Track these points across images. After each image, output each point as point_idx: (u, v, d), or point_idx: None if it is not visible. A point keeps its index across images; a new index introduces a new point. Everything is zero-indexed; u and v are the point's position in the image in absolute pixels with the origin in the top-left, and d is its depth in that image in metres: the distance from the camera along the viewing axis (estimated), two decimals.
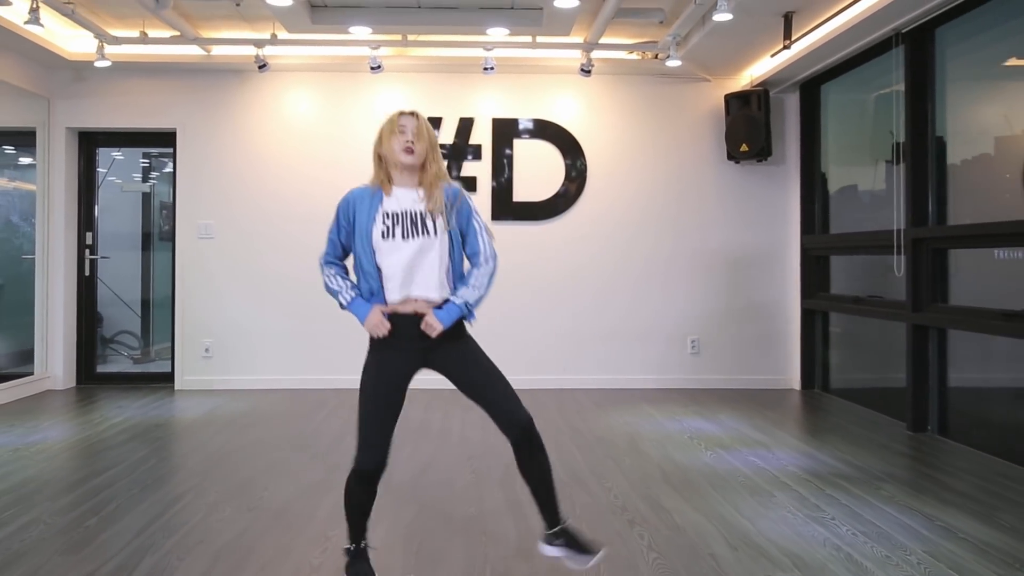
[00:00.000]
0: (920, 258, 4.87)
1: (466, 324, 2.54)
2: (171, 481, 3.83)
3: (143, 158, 8.13)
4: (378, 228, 2.44)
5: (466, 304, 2.47)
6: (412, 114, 2.52)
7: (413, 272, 2.45)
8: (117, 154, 7.47)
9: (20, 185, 6.86)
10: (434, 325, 2.43)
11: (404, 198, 2.48)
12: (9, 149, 6.89)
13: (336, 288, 2.54)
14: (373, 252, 2.44)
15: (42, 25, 4.86)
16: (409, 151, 2.46)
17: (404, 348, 2.47)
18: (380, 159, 2.53)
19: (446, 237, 2.46)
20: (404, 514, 3.33)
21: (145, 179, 8.26)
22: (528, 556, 2.82)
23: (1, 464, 4.07)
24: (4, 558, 2.80)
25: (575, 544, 2.49)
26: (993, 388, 4.78)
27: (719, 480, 3.84)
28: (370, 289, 2.49)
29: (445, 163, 2.67)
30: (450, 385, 2.55)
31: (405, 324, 2.45)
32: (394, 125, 2.49)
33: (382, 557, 2.84)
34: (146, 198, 8.18)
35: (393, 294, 2.46)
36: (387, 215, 2.45)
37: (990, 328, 4.26)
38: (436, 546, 2.98)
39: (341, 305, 2.54)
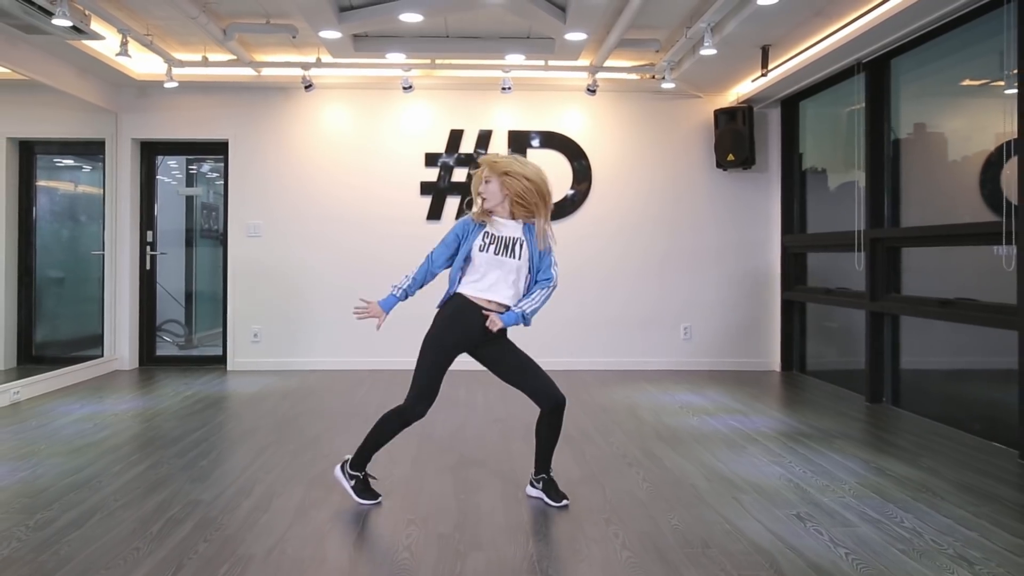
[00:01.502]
0: (877, 255, 5.71)
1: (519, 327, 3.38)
2: (253, 437, 4.68)
3: (173, 163, 8.98)
4: (478, 243, 3.31)
5: (523, 314, 3.30)
6: (479, 164, 3.40)
7: (495, 278, 3.31)
8: (170, 160, 8.31)
9: (86, 190, 7.72)
10: (496, 323, 3.27)
11: (504, 225, 3.34)
12: (74, 159, 7.73)
13: (408, 275, 3.50)
14: (471, 257, 3.33)
15: (130, 56, 5.70)
16: (483, 200, 3.34)
17: (467, 332, 3.31)
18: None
19: (525, 265, 3.32)
20: (448, 459, 4.18)
21: (189, 183, 9.11)
22: None
23: (108, 425, 4.93)
24: (149, 485, 3.65)
25: (551, 491, 3.41)
26: (938, 370, 5.63)
27: (702, 437, 4.69)
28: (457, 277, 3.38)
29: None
30: (473, 366, 3.44)
31: (477, 315, 3.32)
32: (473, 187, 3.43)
33: (434, 485, 3.69)
34: (189, 200, 9.04)
35: (477, 291, 3.31)
36: (488, 232, 3.33)
37: (930, 314, 5.10)
38: (477, 479, 3.82)
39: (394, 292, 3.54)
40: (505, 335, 3.41)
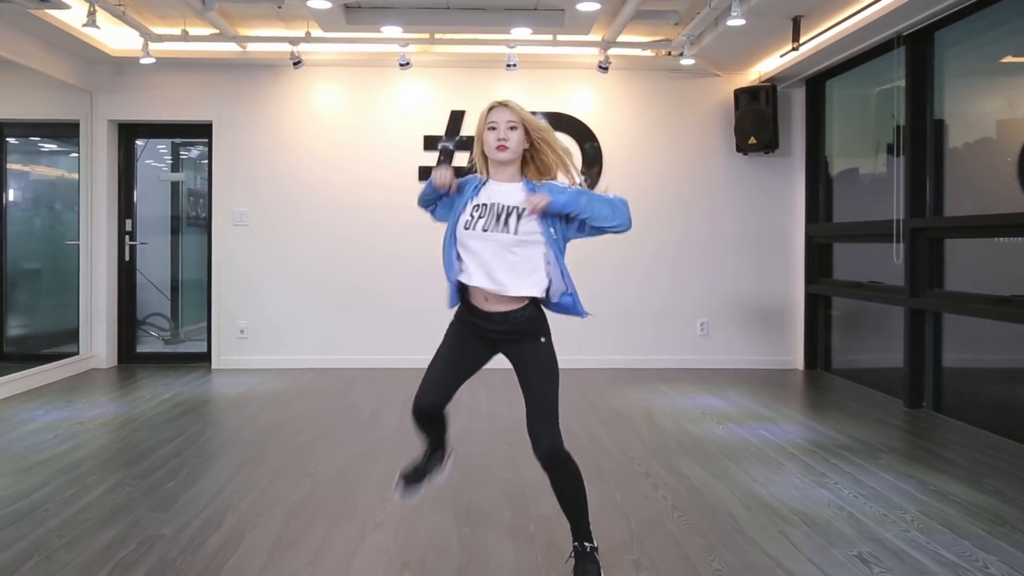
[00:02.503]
0: (918, 247, 5.21)
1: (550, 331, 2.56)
2: (232, 450, 4.20)
3: (162, 146, 8.47)
4: (464, 217, 2.48)
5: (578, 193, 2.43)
6: (505, 105, 2.47)
7: (493, 265, 2.44)
8: (139, 142, 7.80)
9: (62, 174, 7.21)
10: (538, 201, 2.39)
11: (504, 191, 2.48)
12: (50, 141, 7.21)
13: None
14: (453, 241, 2.53)
15: (99, 27, 5.18)
16: (502, 147, 2.43)
17: (478, 328, 2.54)
18: (483, 152, 2.53)
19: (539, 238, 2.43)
20: (450, 479, 3.69)
21: (175, 168, 8.60)
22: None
23: (72, 435, 4.44)
24: (102, 515, 3.17)
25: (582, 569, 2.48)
26: (984, 368, 5.14)
27: (731, 450, 4.21)
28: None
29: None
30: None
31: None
32: (484, 121, 2.49)
33: (433, 516, 3.21)
34: (175, 185, 8.53)
35: (472, 280, 2.47)
36: (478, 204, 2.47)
37: (982, 312, 4.61)
38: (482, 506, 3.34)
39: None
40: (537, 338, 2.51)
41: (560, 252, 2.48)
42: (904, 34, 5.22)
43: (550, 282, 2.49)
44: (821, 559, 2.76)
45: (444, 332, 2.64)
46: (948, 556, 2.78)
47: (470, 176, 2.58)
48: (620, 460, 4.02)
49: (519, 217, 2.44)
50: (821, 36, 5.57)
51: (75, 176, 6.78)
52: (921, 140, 5.22)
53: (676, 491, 3.53)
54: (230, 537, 2.94)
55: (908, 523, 3.11)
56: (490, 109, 2.50)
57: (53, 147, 7.25)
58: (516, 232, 2.44)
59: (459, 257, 2.51)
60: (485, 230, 2.45)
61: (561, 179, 2.56)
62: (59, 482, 3.57)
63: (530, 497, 3.40)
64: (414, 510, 3.24)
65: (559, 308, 2.57)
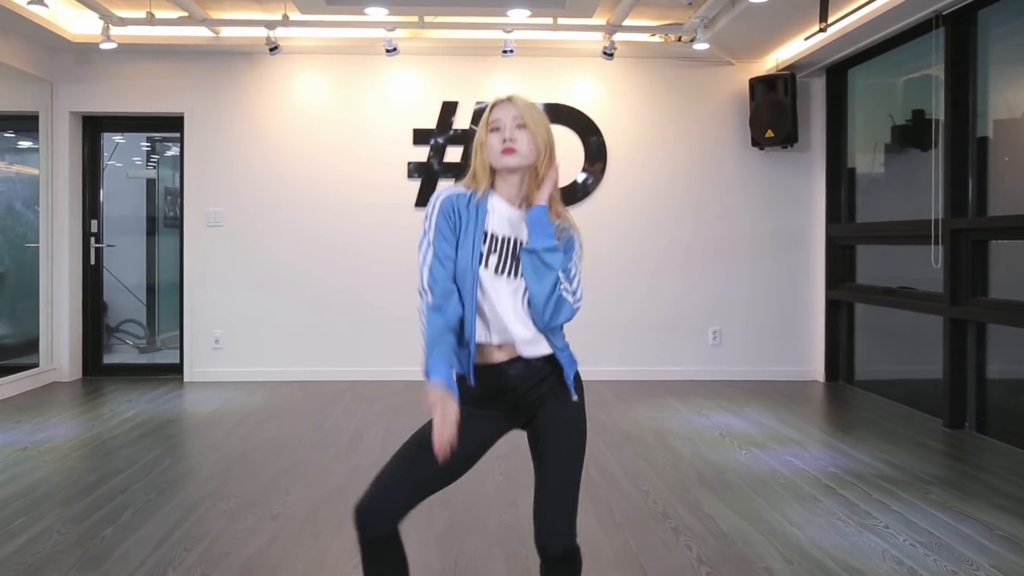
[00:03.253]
0: (959, 249, 4.70)
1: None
2: (188, 484, 3.68)
3: (145, 142, 7.96)
4: (486, 247, 1.86)
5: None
6: (509, 101, 1.89)
7: (509, 308, 1.86)
8: (119, 138, 7.28)
9: (23, 170, 6.68)
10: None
11: (510, 213, 1.89)
12: (10, 134, 6.69)
13: (425, 344, 1.86)
14: (474, 280, 1.85)
15: (46, 5, 4.68)
16: (509, 151, 1.84)
17: (484, 402, 1.92)
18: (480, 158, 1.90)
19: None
20: (436, 521, 3.18)
21: (148, 164, 8.09)
22: None
23: (9, 465, 3.92)
24: (23, 571, 2.65)
25: None
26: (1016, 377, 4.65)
27: (758, 483, 3.70)
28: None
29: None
30: None
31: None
32: (487, 120, 1.88)
33: (418, 561, 2.68)
34: (150, 183, 8.00)
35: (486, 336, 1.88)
36: (494, 234, 1.87)
37: None
38: (474, 557, 2.83)
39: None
40: (565, 400, 1.91)
41: None
42: (944, 13, 4.71)
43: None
44: None
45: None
46: None
47: (452, 193, 1.90)
48: (633, 496, 3.50)
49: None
50: (850, 17, 5.05)
51: (35, 172, 6.25)
52: (963, 133, 4.71)
53: (701, 537, 3.01)
54: None
55: None
56: (493, 106, 1.90)
57: (11, 142, 6.71)
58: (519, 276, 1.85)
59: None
60: (499, 272, 1.85)
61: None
62: None
63: (529, 548, 2.86)
64: None
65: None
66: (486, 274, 1.84)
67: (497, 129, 1.86)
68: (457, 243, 1.85)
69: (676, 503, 3.41)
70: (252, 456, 4.16)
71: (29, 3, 4.60)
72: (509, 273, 1.84)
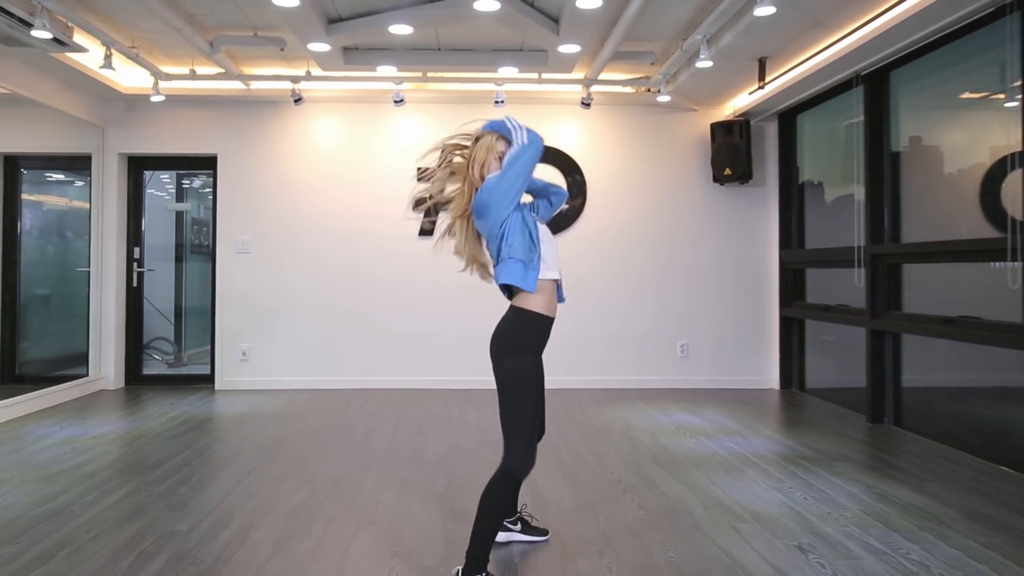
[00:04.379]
0: (877, 271, 5.58)
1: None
2: (236, 461, 4.53)
3: (166, 177, 8.86)
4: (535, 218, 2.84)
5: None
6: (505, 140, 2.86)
7: (553, 256, 2.84)
8: (148, 174, 8.19)
9: (72, 205, 7.59)
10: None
11: None
12: (55, 174, 7.60)
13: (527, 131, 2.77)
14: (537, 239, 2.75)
15: (114, 68, 5.58)
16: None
17: (547, 337, 2.83)
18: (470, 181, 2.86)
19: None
20: (438, 484, 4.03)
21: (179, 198, 9.00)
22: (540, 511, 3.52)
23: (87, 449, 4.77)
24: (124, 515, 3.50)
25: (530, 529, 3.19)
26: (940, 387, 5.49)
27: (699, 460, 4.54)
28: (532, 255, 2.74)
29: None
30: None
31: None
32: (494, 150, 2.84)
33: (421, 514, 3.54)
34: (179, 215, 8.92)
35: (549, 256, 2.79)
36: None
37: (933, 332, 4.97)
38: (466, 507, 3.67)
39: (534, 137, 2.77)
40: None
41: None
42: (862, 74, 5.64)
43: None
44: (764, 548, 3.10)
45: (520, 372, 2.67)
46: (877, 546, 3.12)
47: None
48: (596, 470, 4.35)
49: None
50: (786, 75, 5.99)
51: (85, 206, 7.16)
52: (879, 171, 5.62)
53: (643, 494, 3.86)
54: (238, 533, 3.27)
55: (848, 520, 3.45)
56: (497, 139, 2.86)
57: (67, 178, 7.63)
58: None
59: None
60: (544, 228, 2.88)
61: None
62: (80, 488, 3.90)
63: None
64: (404, 511, 3.58)
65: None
66: (543, 230, 2.86)
67: (501, 158, 2.87)
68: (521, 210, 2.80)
69: (630, 474, 4.26)
70: (284, 442, 5.01)
71: (101, 67, 5.51)
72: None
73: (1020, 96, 4.20)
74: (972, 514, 3.52)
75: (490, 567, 2.71)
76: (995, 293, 4.47)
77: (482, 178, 2.83)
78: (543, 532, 3.20)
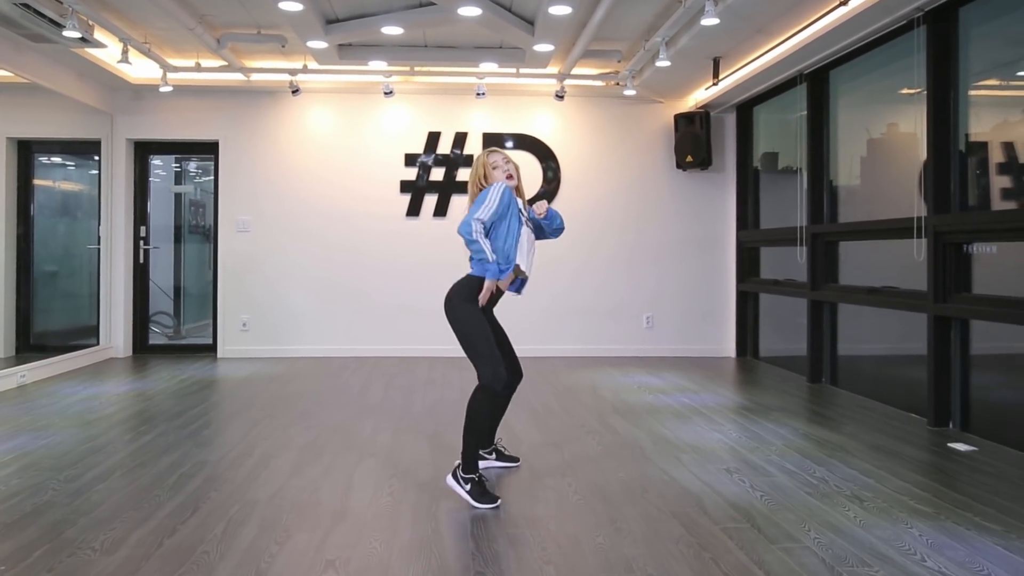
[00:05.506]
0: (817, 249, 6.27)
1: None
2: (247, 412, 5.15)
3: (175, 162, 9.40)
4: (522, 218, 3.48)
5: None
6: (495, 151, 3.58)
7: (529, 252, 3.52)
8: (156, 160, 8.72)
9: (82, 187, 8.12)
10: (544, 206, 3.63)
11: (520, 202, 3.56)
12: (66, 158, 8.13)
13: (484, 249, 3.34)
14: (518, 236, 3.43)
15: (131, 63, 6.12)
16: (510, 177, 3.53)
17: (491, 304, 3.52)
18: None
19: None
20: (426, 429, 4.67)
21: (177, 181, 9.53)
22: (514, 447, 4.17)
23: (114, 402, 5.37)
24: (161, 447, 4.12)
25: (503, 457, 3.86)
26: (873, 353, 6.20)
27: (653, 411, 5.22)
28: (507, 257, 3.41)
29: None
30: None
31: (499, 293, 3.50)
32: (488, 164, 3.54)
33: (413, 448, 4.19)
34: (179, 197, 9.46)
35: (521, 261, 3.46)
36: (522, 211, 3.51)
37: (860, 300, 5.67)
38: (451, 443, 4.32)
39: (483, 265, 3.37)
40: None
41: None
42: (805, 72, 6.30)
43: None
44: (698, 471, 3.78)
45: (467, 315, 3.44)
46: (790, 468, 3.81)
47: (510, 189, 3.48)
48: (563, 418, 5.01)
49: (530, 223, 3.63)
50: (737, 73, 6.64)
51: (93, 189, 7.70)
52: (819, 160, 6.29)
53: (603, 435, 4.53)
54: (260, 460, 3.90)
55: (771, 451, 4.13)
56: (488, 154, 3.58)
57: (77, 163, 8.16)
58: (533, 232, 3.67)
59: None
60: (527, 230, 3.56)
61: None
62: (117, 431, 4.51)
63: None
64: (398, 447, 4.22)
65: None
66: (525, 232, 3.51)
67: (496, 167, 3.56)
68: (504, 215, 3.43)
69: (593, 421, 4.92)
70: (288, 399, 5.63)
71: (119, 62, 6.06)
72: (529, 229, 3.57)
73: (927, 97, 4.86)
74: (875, 447, 4.21)
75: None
76: (911, 267, 5.16)
77: (480, 188, 3.55)
78: (515, 459, 3.86)
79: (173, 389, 5.96)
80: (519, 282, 3.52)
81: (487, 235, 3.42)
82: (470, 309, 3.44)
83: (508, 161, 3.57)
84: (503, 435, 4.35)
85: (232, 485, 3.50)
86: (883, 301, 5.35)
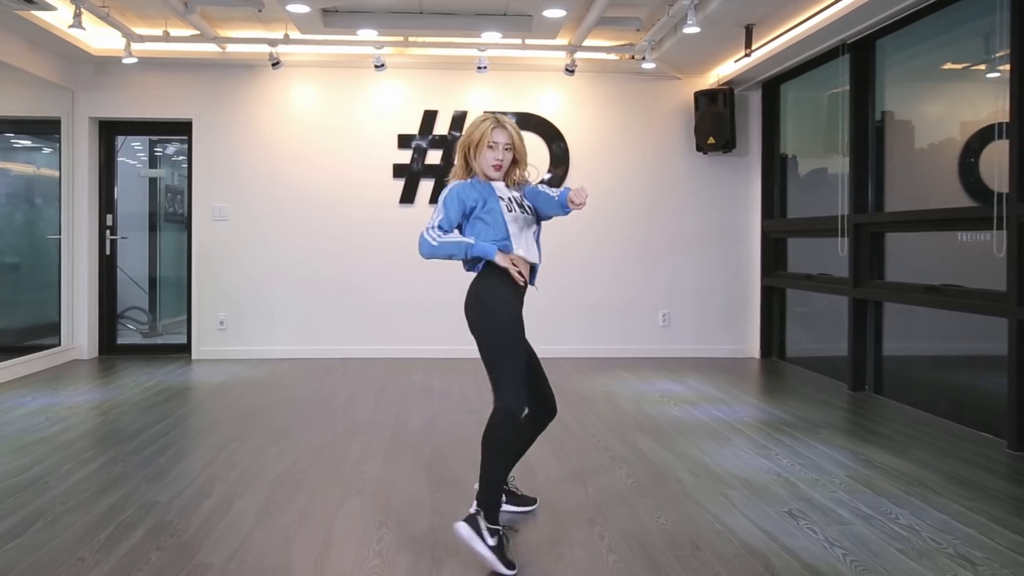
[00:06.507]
0: (860, 240, 5.58)
1: None
2: (217, 430, 4.45)
3: (138, 143, 8.65)
4: (504, 204, 2.81)
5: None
6: (504, 127, 2.82)
7: (524, 239, 2.84)
8: (134, 142, 7.97)
9: (42, 171, 7.37)
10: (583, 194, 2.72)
11: (501, 187, 2.88)
12: (22, 138, 7.38)
13: (453, 240, 2.74)
14: (505, 224, 2.77)
15: (84, 28, 5.38)
16: (498, 167, 2.83)
17: (520, 297, 2.82)
18: (466, 159, 2.86)
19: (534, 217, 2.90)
20: (423, 453, 3.99)
21: (152, 166, 8.78)
22: (529, 480, 3.49)
23: (62, 419, 4.66)
24: (100, 485, 3.42)
25: (517, 499, 3.14)
26: (921, 356, 5.53)
27: (685, 428, 4.54)
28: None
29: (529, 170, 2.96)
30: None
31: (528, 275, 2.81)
32: (487, 138, 2.81)
33: (407, 482, 3.50)
34: (153, 182, 8.71)
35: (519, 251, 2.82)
36: (502, 197, 2.83)
37: (916, 300, 4.99)
38: (452, 473, 3.64)
39: (466, 251, 2.73)
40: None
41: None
42: (848, 42, 5.59)
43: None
44: (755, 515, 3.10)
45: (493, 320, 2.76)
46: (866, 511, 3.13)
47: (464, 184, 2.85)
48: (582, 438, 4.33)
49: (525, 206, 2.91)
50: (772, 43, 5.93)
51: (55, 172, 6.96)
52: (863, 141, 5.60)
53: (631, 462, 3.85)
54: (221, 503, 3.20)
55: (836, 486, 3.46)
56: (493, 128, 2.83)
57: (35, 143, 7.40)
58: (532, 214, 2.91)
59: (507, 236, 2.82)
60: (524, 213, 2.87)
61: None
62: (56, 458, 3.81)
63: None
64: (390, 480, 3.53)
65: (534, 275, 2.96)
66: (513, 216, 2.83)
67: (492, 147, 2.84)
68: (474, 211, 2.80)
69: (616, 442, 4.24)
70: (265, 412, 4.94)
71: (70, 27, 5.32)
72: (521, 215, 2.86)
73: (1010, 66, 4.16)
74: (956, 479, 3.54)
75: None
76: (979, 263, 4.48)
77: (465, 158, 2.92)
78: (531, 501, 3.17)
79: (135, 400, 5.26)
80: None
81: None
82: (500, 310, 2.77)
83: (509, 148, 2.85)
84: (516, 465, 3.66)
85: (180, 540, 2.81)
86: (948, 302, 4.67)
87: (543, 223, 2.97)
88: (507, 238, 2.79)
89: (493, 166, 2.84)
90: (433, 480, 3.56)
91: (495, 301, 2.76)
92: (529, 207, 2.90)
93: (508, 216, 2.81)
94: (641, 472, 3.68)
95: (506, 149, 2.84)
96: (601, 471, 3.70)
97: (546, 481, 3.53)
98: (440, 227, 2.78)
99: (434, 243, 2.76)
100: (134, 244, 8.10)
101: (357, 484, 3.48)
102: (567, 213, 2.86)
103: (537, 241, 2.94)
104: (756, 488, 3.43)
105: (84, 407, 5.00)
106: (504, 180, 2.91)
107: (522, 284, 2.78)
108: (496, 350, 2.74)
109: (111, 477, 3.53)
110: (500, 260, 2.74)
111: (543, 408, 2.97)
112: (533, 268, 2.92)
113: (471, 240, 2.76)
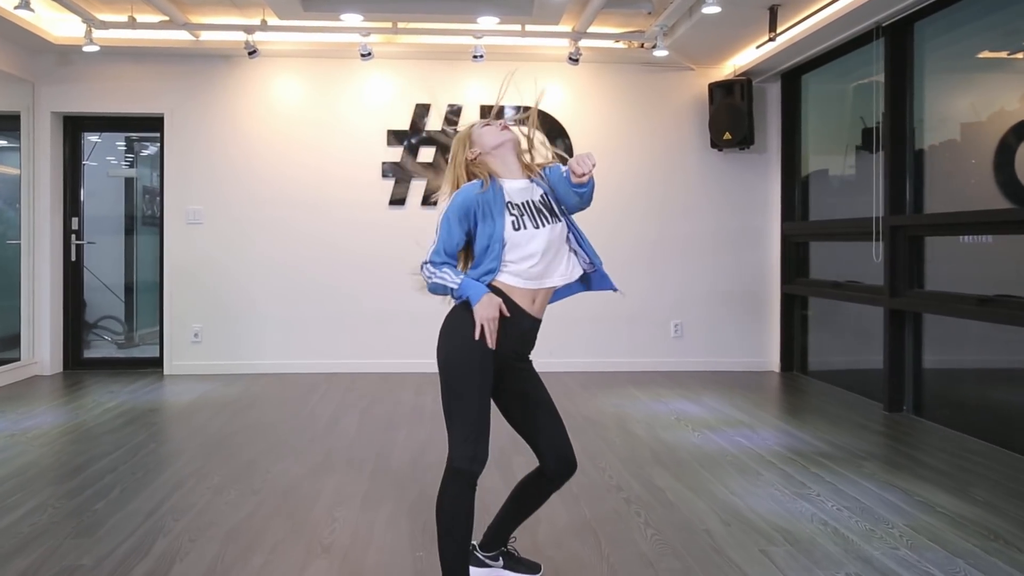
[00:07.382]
0: (897, 245, 5.03)
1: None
2: (173, 464, 3.90)
3: (122, 142, 8.11)
4: (510, 221, 2.27)
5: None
6: (484, 123, 2.45)
7: (554, 256, 2.33)
8: (95, 138, 7.42)
9: (2, 170, 6.82)
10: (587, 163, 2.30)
11: (518, 187, 2.35)
12: None
13: (439, 281, 2.28)
14: (502, 245, 2.27)
15: (32, 10, 4.84)
16: (505, 128, 2.39)
17: (513, 339, 2.31)
18: (467, 168, 2.38)
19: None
20: (407, 495, 3.44)
21: (124, 163, 8.23)
22: (530, 532, 2.93)
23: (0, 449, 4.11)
24: (16, 542, 2.86)
25: (518, 565, 2.57)
26: (964, 369, 4.98)
27: (707, 459, 3.99)
28: (494, 257, 2.28)
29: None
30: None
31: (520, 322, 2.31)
32: (476, 126, 2.43)
33: (386, 536, 2.95)
34: (129, 182, 8.15)
35: (531, 283, 2.31)
36: (512, 204, 2.30)
37: (966, 313, 4.43)
38: None
39: (452, 294, 2.28)
40: (529, 359, 2.43)
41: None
42: (883, 25, 5.04)
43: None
44: None
45: (454, 359, 2.27)
46: (939, 575, 2.58)
47: (464, 192, 2.32)
48: (592, 474, 3.77)
49: (550, 207, 2.37)
50: (798, 27, 5.38)
51: (15, 171, 6.40)
52: (901, 136, 5.05)
53: (650, 506, 3.29)
54: (157, 567, 2.65)
55: (896, 539, 2.90)
56: (471, 126, 2.44)
57: None
58: (559, 216, 2.37)
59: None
60: (538, 227, 2.31)
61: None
62: None
63: (491, 517, 3.14)
64: (365, 532, 2.98)
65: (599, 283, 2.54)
66: (524, 235, 2.29)
67: (482, 135, 2.38)
68: (476, 227, 2.29)
69: (630, 478, 3.69)
70: (233, 439, 4.38)
71: (16, 7, 4.77)
72: (546, 224, 2.32)
73: None
74: None
75: None
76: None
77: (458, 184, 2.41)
78: (535, 568, 2.61)
79: (91, 424, 4.71)
80: (599, 274, 2.53)
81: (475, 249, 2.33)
82: (465, 347, 2.26)
83: (505, 128, 2.42)
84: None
85: None
86: (1004, 315, 4.11)
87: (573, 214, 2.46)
88: (496, 269, 2.28)
89: (501, 129, 2.39)
90: (416, 532, 3.00)
91: (463, 336, 2.25)
92: (556, 204, 2.38)
93: (512, 236, 2.27)
94: (662, 520, 3.12)
95: (502, 128, 2.41)
96: (616, 519, 3.14)
97: (551, 535, 2.97)
98: (432, 261, 2.30)
99: (429, 280, 2.32)
100: (109, 249, 7.54)
101: (326, 538, 2.93)
102: (582, 196, 2.38)
103: (582, 245, 2.44)
104: (801, 543, 2.88)
105: (28, 435, 4.44)
106: (521, 167, 2.41)
107: (489, 345, 2.24)
108: (448, 390, 2.28)
109: (33, 530, 2.97)
110: (477, 314, 2.23)
111: (559, 463, 2.41)
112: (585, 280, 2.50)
113: (456, 282, 2.26)
